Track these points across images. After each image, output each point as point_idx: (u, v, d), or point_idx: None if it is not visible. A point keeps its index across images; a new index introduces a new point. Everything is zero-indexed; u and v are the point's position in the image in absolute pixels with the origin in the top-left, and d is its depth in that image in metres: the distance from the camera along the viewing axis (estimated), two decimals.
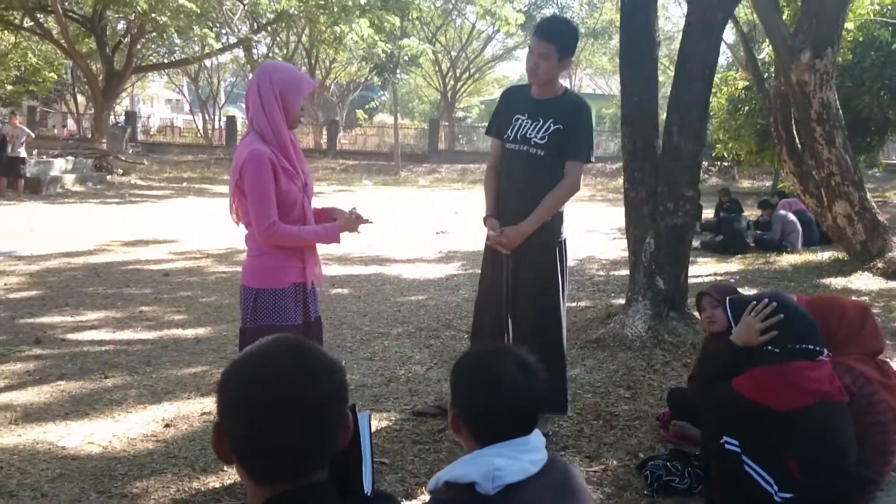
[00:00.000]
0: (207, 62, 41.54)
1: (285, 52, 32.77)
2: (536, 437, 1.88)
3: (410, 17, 27.24)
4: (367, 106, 45.30)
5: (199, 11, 18.71)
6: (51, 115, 38.10)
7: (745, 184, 25.14)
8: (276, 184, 3.02)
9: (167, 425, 4.04)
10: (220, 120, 38.36)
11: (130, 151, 28.66)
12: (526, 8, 29.97)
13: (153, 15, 18.84)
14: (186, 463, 3.57)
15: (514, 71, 45.29)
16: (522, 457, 1.81)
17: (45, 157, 18.79)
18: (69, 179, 18.18)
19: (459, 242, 10.81)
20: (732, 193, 15.17)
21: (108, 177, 20.42)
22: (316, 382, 1.29)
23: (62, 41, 21.25)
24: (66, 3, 23.69)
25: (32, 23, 21.55)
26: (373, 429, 4.07)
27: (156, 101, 62.59)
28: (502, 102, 4.19)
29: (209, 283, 7.84)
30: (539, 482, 1.81)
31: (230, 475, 3.45)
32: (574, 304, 7.12)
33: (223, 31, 28.39)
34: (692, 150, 5.60)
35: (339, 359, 1.39)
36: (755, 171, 24.96)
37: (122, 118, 35.34)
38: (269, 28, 25.69)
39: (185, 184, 21.27)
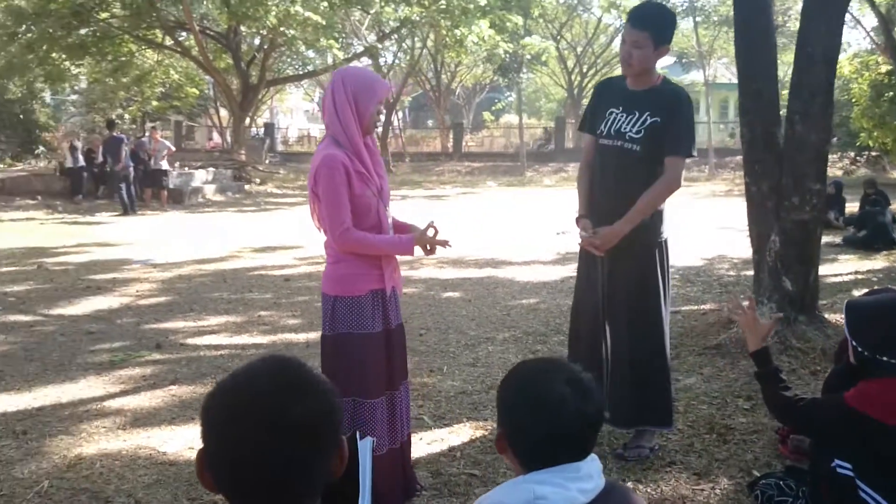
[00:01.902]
0: None
1: (410, 58, 33.22)
2: (590, 464, 1.70)
3: (533, 16, 26.98)
4: (493, 107, 45.32)
5: (324, 23, 19.20)
6: (196, 129, 40.24)
7: None
8: (350, 189, 2.97)
9: None
10: None
11: (268, 161, 29.90)
12: None
13: (282, 28, 19.51)
14: None
15: None
16: (570, 485, 1.64)
17: (187, 168, 19.81)
18: (209, 190, 19.07)
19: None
20: (880, 185, 14.12)
21: (246, 186, 21.30)
22: (300, 405, 1.19)
23: (200, 57, 22.31)
24: (204, 21, 24.95)
25: (172, 41, 22.73)
26: (468, 438, 3.98)
27: (295, 113, 65.11)
28: (596, 95, 3.99)
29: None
30: None
31: None
32: (697, 308, 6.78)
33: (351, 41, 29.14)
34: (817, 140, 5.17)
35: (330, 383, 1.28)
36: None
37: (262, 130, 36.85)
38: (393, 36, 26.13)
39: None
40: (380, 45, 24.36)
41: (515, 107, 38.72)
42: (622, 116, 3.72)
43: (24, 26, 21.24)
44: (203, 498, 3.28)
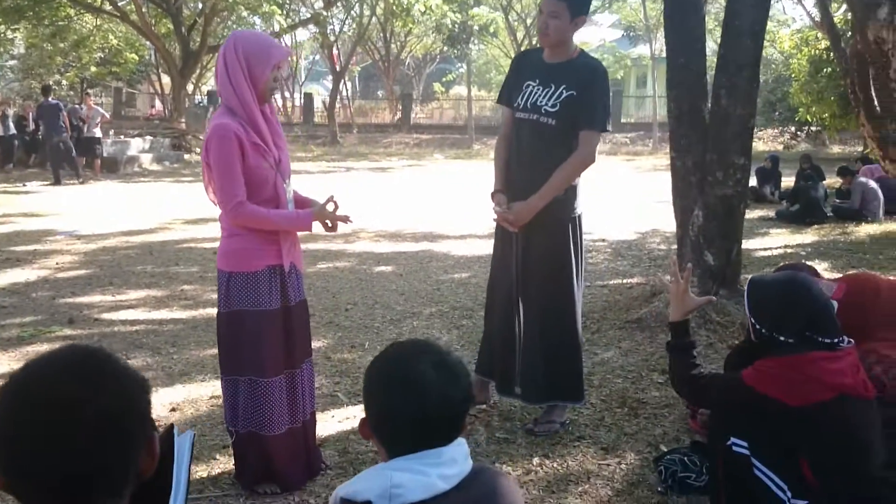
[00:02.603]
0: (287, 40, 42.18)
1: (359, 26, 32.73)
2: (455, 448, 1.64)
3: None
4: (444, 79, 45.01)
5: None
6: (137, 96, 39.18)
7: (836, 149, 23.84)
8: (244, 160, 2.85)
9: (173, 409, 3.97)
10: (300, 98, 38.69)
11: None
12: None
13: None
14: None
15: (594, 36, 44.07)
16: (431, 471, 1.58)
17: (122, 137, 19.29)
18: (146, 159, 18.61)
19: None
20: (818, 160, 14.36)
21: (185, 156, 20.83)
22: (98, 398, 1.10)
23: (139, 22, 21.65)
24: None
25: (111, 5, 22.02)
26: None
27: None
28: (513, 68, 3.91)
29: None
30: (451, 500, 1.58)
31: (219, 465, 3.34)
32: (623, 282, 6.80)
33: (297, 8, 28.55)
34: (742, 114, 5.17)
35: (140, 375, 1.20)
36: (846, 137, 23.66)
37: (206, 98, 36.03)
38: (340, 3, 25.67)
39: None
40: (325, 13, 23.85)
41: (466, 78, 38.48)
42: (538, 89, 3.65)
43: None
44: None
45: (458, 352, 4.86)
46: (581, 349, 3.81)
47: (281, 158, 3.01)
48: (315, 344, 5.02)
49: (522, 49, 39.59)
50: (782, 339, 2.59)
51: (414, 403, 1.62)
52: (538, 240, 3.67)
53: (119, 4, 22.47)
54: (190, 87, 38.19)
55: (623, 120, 32.66)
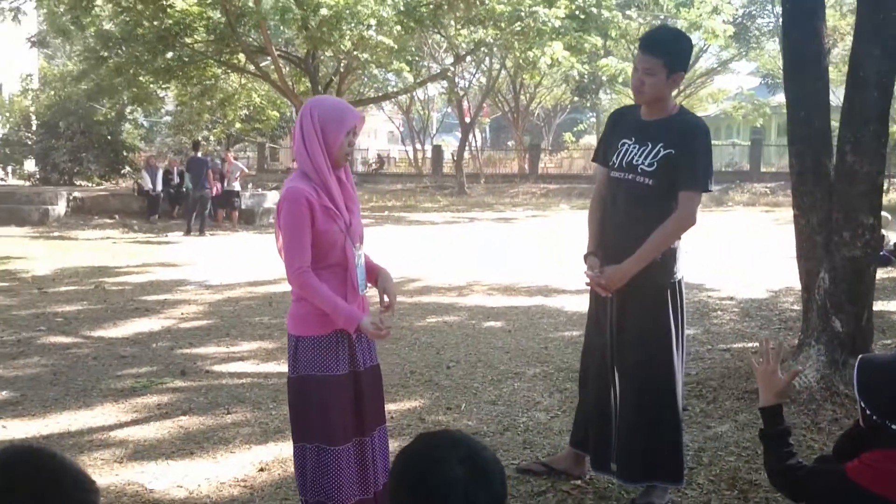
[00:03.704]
0: (421, 94, 43.34)
1: (488, 79, 33.21)
2: None
3: (612, 36, 26.54)
4: (574, 128, 44.87)
5: (395, 47, 19.30)
6: (279, 150, 41.14)
7: None
8: (314, 224, 2.83)
9: (261, 469, 3.96)
10: (430, 149, 39.56)
11: None
12: (737, 19, 28.29)
13: (356, 52, 19.69)
14: None
15: (731, 84, 42.85)
16: None
17: (260, 190, 20.17)
18: None
19: None
20: None
21: None
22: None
23: (278, 82, 22.73)
24: (289, 47, 25.44)
25: (253, 66, 23.24)
26: None
27: (378, 134, 66.05)
28: (609, 125, 3.76)
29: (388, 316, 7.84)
30: None
31: None
32: (749, 345, 6.38)
33: (428, 64, 29.25)
34: (870, 170, 4.77)
35: (88, 478, 1.17)
36: None
37: None
38: (467, 59, 26.10)
39: (386, 212, 21.99)
40: (452, 69, 24.32)
41: (596, 128, 38.21)
42: (634, 148, 3.48)
43: (112, 50, 22.04)
44: None
45: (556, 419, 4.68)
46: (681, 425, 3.54)
47: (352, 222, 2.97)
48: (411, 404, 4.99)
49: None
50: (893, 427, 2.30)
51: None
52: (634, 306, 3.46)
53: (261, 65, 23.67)
54: None
55: (763, 169, 31.44)
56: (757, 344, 6.38)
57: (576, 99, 37.29)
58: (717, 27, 22.49)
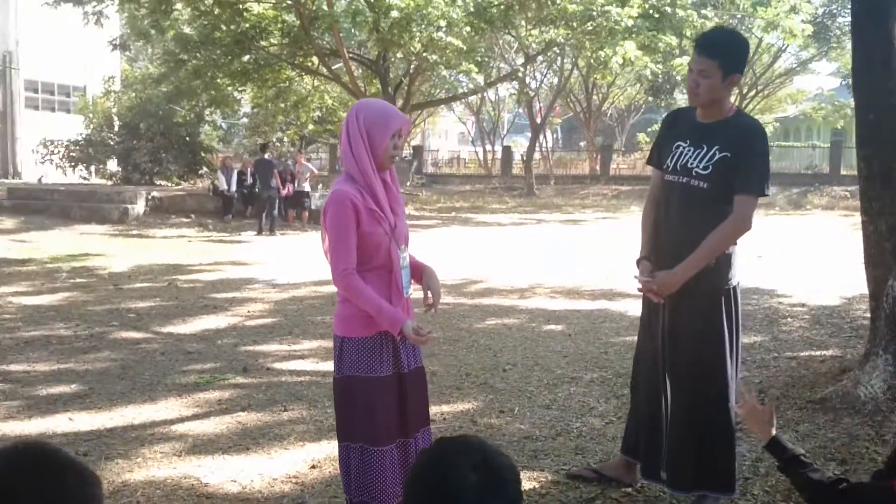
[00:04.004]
0: (492, 95, 43.36)
1: (560, 79, 32.98)
2: None
3: (689, 35, 26.05)
4: (649, 129, 44.18)
5: (464, 48, 19.34)
6: None
7: None
8: (359, 226, 2.87)
9: (313, 466, 4.03)
10: (500, 150, 39.53)
11: (415, 183, 30.48)
12: (816, 18, 27.43)
13: (425, 54, 19.83)
14: None
15: (811, 84, 41.63)
16: None
17: (327, 191, 20.45)
18: None
19: None
20: None
21: None
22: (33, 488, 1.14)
23: (349, 84, 23.05)
24: (362, 49, 25.77)
25: (326, 68, 23.63)
26: None
27: (449, 135, 66.32)
28: (664, 127, 3.71)
29: (427, 315, 7.86)
30: None
31: None
32: (817, 353, 6.19)
33: (498, 65, 29.24)
34: None
35: (90, 471, 1.22)
36: None
37: (410, 152, 37.67)
38: (538, 59, 25.98)
39: (453, 213, 22.06)
40: (522, 69, 24.22)
41: None
42: (689, 150, 3.42)
43: (191, 54, 22.69)
44: None
45: (610, 424, 4.63)
46: (734, 434, 3.46)
47: (397, 224, 3.00)
48: (464, 406, 5.00)
49: (733, 99, 38.07)
50: None
51: None
52: (686, 312, 3.41)
53: (333, 68, 24.04)
54: None
55: (843, 172, 30.37)
56: (826, 352, 6.19)
57: (650, 99, 36.68)
58: (795, 26, 21.87)
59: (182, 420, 4.69)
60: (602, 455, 4.17)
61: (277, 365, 6.00)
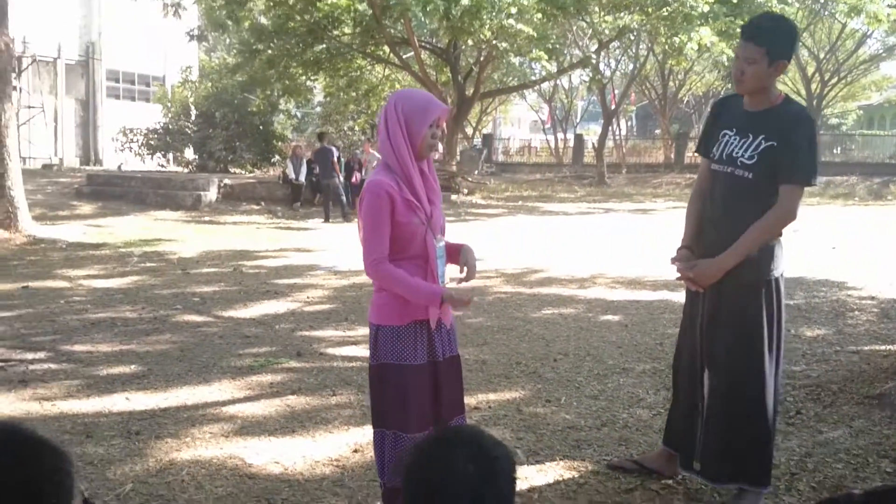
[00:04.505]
0: (565, 82, 42.93)
1: (635, 66, 32.42)
2: None
3: None
4: None
5: (534, 35, 19.18)
6: None
7: None
8: (394, 216, 2.88)
9: (356, 451, 4.08)
10: (572, 139, 39.14)
11: (485, 172, 30.44)
12: None
13: (495, 42, 19.75)
14: (347, 494, 3.56)
15: None
16: None
17: None
18: None
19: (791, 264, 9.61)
20: None
21: (453, 196, 21.75)
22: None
23: (419, 72, 23.15)
24: (433, 38, 25.83)
25: (396, 58, 23.78)
26: (554, 478, 3.73)
27: (522, 123, 65.96)
28: (711, 115, 3.63)
29: (484, 304, 7.89)
30: None
31: None
32: (882, 348, 5.96)
33: (570, 52, 28.89)
34: None
35: (63, 450, 1.26)
36: None
37: (480, 141, 37.64)
38: (610, 46, 25.58)
39: (520, 202, 21.95)
40: (594, 56, 23.85)
41: None
42: (735, 139, 3.34)
43: (265, 43, 23.12)
44: None
45: (658, 416, 4.55)
46: (772, 427, 3.36)
47: (433, 214, 3.00)
48: (510, 395, 4.99)
49: (811, 85, 36.92)
50: None
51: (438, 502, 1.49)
52: (726, 303, 3.34)
53: (404, 57, 24.17)
54: (469, 131, 40.29)
55: None
56: (891, 347, 5.96)
57: (728, 86, 35.73)
58: (880, 11, 20.95)
59: (233, 402, 4.81)
60: (646, 447, 4.11)
61: (331, 350, 6.08)
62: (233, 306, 7.64)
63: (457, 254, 3.12)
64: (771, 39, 3.22)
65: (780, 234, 3.35)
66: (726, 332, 3.32)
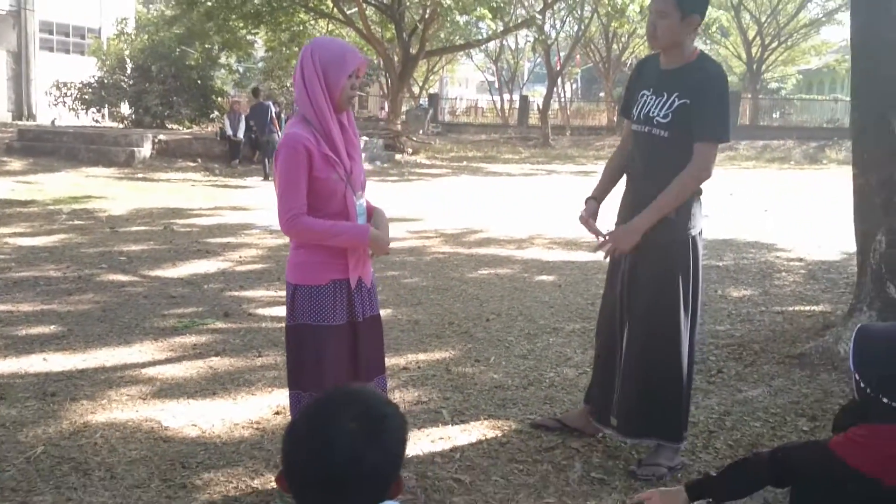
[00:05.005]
0: (512, 44, 42.71)
1: (579, 28, 32.38)
2: None
3: None
4: None
5: None
6: (367, 98, 41.37)
7: None
8: (311, 171, 2.78)
9: (277, 413, 4.01)
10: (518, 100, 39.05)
11: (429, 131, 30.22)
12: None
13: None
14: (265, 457, 3.49)
15: (838, 35, 40.59)
16: None
17: None
18: None
19: (713, 227, 9.75)
20: None
21: (397, 156, 21.58)
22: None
23: (363, 29, 22.76)
24: None
25: (340, 12, 23.31)
26: (477, 438, 3.72)
27: (469, 83, 65.54)
28: (632, 76, 3.60)
29: (421, 263, 7.84)
30: None
31: None
32: (806, 308, 6.09)
33: (515, 13, 28.71)
34: None
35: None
36: None
37: (426, 100, 37.33)
38: (556, 6, 25.49)
39: (464, 163, 21.88)
40: (540, 17, 23.75)
41: None
42: (652, 99, 3.33)
43: None
44: (175, 480, 3.24)
45: (584, 375, 4.57)
46: (684, 383, 3.39)
47: (353, 170, 2.91)
48: (440, 354, 4.97)
49: (752, 49, 37.38)
50: (885, 401, 2.14)
51: (319, 462, 1.44)
52: (644, 261, 3.34)
53: (348, 12, 23.70)
54: (417, 91, 39.92)
55: None
56: (815, 307, 6.09)
57: None
58: None
59: (153, 364, 4.69)
60: (570, 405, 4.13)
61: (260, 311, 5.98)
62: (160, 265, 7.45)
63: (369, 218, 3.03)
64: None
65: (700, 192, 3.35)
66: (644, 289, 3.33)
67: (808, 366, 4.61)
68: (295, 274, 2.93)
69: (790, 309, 6.07)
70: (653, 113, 3.27)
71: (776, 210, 12.32)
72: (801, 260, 8.16)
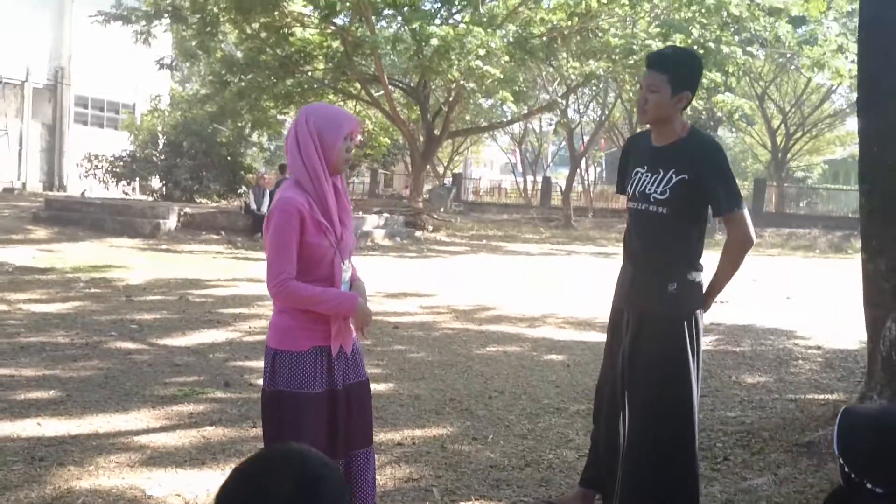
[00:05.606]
0: (536, 126, 43.39)
1: (602, 112, 32.85)
2: None
3: (732, 72, 25.73)
4: None
5: (502, 76, 19.34)
6: (393, 177, 42.02)
7: None
8: (303, 236, 2.78)
9: None
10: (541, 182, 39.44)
11: (451, 209, 30.48)
12: None
13: (462, 82, 19.86)
14: None
15: None
16: None
17: (360, 213, 20.55)
18: (379, 234, 19.62)
19: (733, 313, 9.63)
20: None
21: (417, 233, 21.70)
22: None
23: (388, 109, 23.24)
24: (405, 77, 25.97)
25: (367, 94, 23.87)
26: None
27: (494, 165, 66.44)
28: (623, 154, 3.61)
29: (429, 339, 7.78)
30: None
31: None
32: (820, 397, 5.93)
33: (539, 96, 29.23)
34: None
35: None
36: None
37: (450, 180, 37.80)
38: (578, 91, 25.88)
39: (484, 241, 21.92)
40: (561, 101, 24.14)
41: None
42: (647, 176, 3.33)
43: (236, 75, 23.11)
44: None
45: (585, 457, 4.43)
46: (694, 466, 3.28)
47: (343, 236, 2.91)
48: (437, 431, 4.87)
49: (777, 137, 37.61)
50: (869, 486, 2.04)
51: None
52: (647, 339, 3.27)
53: (375, 94, 24.27)
54: (441, 170, 40.49)
55: None
56: (829, 396, 5.92)
57: None
58: (842, 67, 21.40)
59: (147, 431, 4.63)
60: (566, 488, 4.01)
61: (261, 381, 5.89)
62: (170, 334, 7.45)
63: (350, 287, 3.01)
64: (673, 67, 3.23)
65: (701, 269, 3.32)
66: (645, 367, 3.26)
67: (816, 454, 4.45)
68: (276, 339, 2.90)
69: (804, 397, 5.91)
70: (649, 190, 3.27)
71: (799, 297, 12.14)
72: (819, 348, 7.98)
